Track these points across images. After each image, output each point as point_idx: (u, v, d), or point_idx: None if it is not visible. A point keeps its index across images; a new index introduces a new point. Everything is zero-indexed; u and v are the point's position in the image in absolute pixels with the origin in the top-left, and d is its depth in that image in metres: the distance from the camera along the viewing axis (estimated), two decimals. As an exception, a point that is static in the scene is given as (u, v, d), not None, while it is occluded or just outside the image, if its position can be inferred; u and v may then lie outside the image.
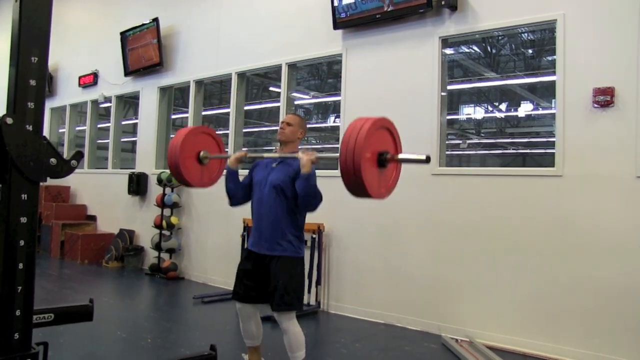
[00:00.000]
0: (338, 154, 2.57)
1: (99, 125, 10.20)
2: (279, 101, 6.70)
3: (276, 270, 3.22)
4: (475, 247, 4.73)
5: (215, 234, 7.08)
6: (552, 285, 4.29)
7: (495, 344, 4.41)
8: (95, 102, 9.75)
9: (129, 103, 10.44)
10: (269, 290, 3.24)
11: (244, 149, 3.38)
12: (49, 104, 10.65)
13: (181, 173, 3.47)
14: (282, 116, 6.49)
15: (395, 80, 5.39)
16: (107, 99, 9.33)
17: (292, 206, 3.30)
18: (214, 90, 12.71)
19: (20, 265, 1.76)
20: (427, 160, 2.51)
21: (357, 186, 2.45)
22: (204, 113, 8.35)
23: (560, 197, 4.30)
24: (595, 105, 4.13)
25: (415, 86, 5.21)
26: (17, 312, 1.73)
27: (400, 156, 2.58)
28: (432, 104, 5.07)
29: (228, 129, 7.20)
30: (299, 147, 3.56)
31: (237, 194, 3.53)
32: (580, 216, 4.19)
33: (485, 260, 4.66)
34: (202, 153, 3.56)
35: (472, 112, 13.89)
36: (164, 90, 8.28)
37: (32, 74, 1.81)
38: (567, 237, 4.24)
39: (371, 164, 2.50)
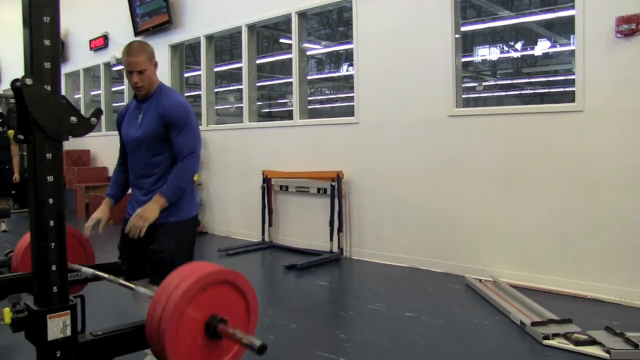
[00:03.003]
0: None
1: (113, 89, 10.23)
2: (290, 53, 6.62)
3: (161, 240, 2.62)
4: (495, 187, 4.72)
5: (235, 187, 7.16)
6: (574, 221, 4.28)
7: (518, 283, 4.46)
8: (107, 65, 9.75)
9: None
10: (152, 260, 2.64)
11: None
12: (63, 70, 10.65)
13: None
14: (295, 68, 6.43)
15: (407, 22, 5.28)
16: (120, 61, 9.31)
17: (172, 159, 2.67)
18: (224, 45, 12.61)
19: (52, 223, 1.81)
20: (260, 350, 1.64)
21: (161, 355, 1.79)
22: (216, 69, 8.30)
23: (582, 133, 4.23)
24: (619, 35, 4.00)
25: (428, 28, 5.10)
26: (53, 267, 1.80)
27: (231, 331, 1.76)
28: (446, 46, 4.97)
29: (241, 84, 7.18)
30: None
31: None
32: (603, 151, 4.13)
33: (506, 199, 4.66)
34: None
35: (487, 53, 13.62)
36: (174, 47, 8.23)
37: (46, 34, 1.81)
38: (589, 173, 4.20)
39: (191, 332, 1.78)
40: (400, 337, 3.43)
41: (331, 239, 5.76)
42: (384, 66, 5.49)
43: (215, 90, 8.27)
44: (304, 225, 6.28)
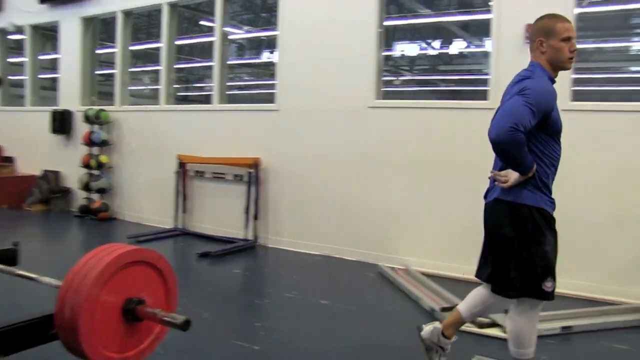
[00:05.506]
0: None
1: (10, 60, 9.36)
2: (211, 35, 6.42)
3: None
4: (410, 177, 4.84)
5: (148, 171, 6.86)
6: (478, 212, 4.44)
7: (430, 271, 4.59)
8: (3, 31, 8.93)
9: (47, 36, 9.67)
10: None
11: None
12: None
13: None
14: (217, 51, 6.24)
15: (333, 12, 5.26)
16: (19, 29, 8.57)
17: None
18: (141, 23, 12.05)
19: None
20: (184, 326, 1.64)
21: (73, 346, 1.63)
22: (132, 48, 7.89)
23: (492, 129, 4.41)
24: (527, 41, 4.20)
25: (353, 20, 5.11)
26: None
27: (150, 310, 1.70)
28: (370, 38, 5.01)
29: (158, 65, 6.89)
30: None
31: None
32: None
33: (420, 190, 4.78)
34: None
35: (406, 49, 13.95)
36: (87, 21, 7.71)
37: None
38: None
39: (108, 319, 1.67)
40: (314, 324, 3.43)
41: (246, 227, 5.67)
42: (307, 54, 5.45)
43: (130, 70, 7.87)
44: (219, 212, 6.13)
